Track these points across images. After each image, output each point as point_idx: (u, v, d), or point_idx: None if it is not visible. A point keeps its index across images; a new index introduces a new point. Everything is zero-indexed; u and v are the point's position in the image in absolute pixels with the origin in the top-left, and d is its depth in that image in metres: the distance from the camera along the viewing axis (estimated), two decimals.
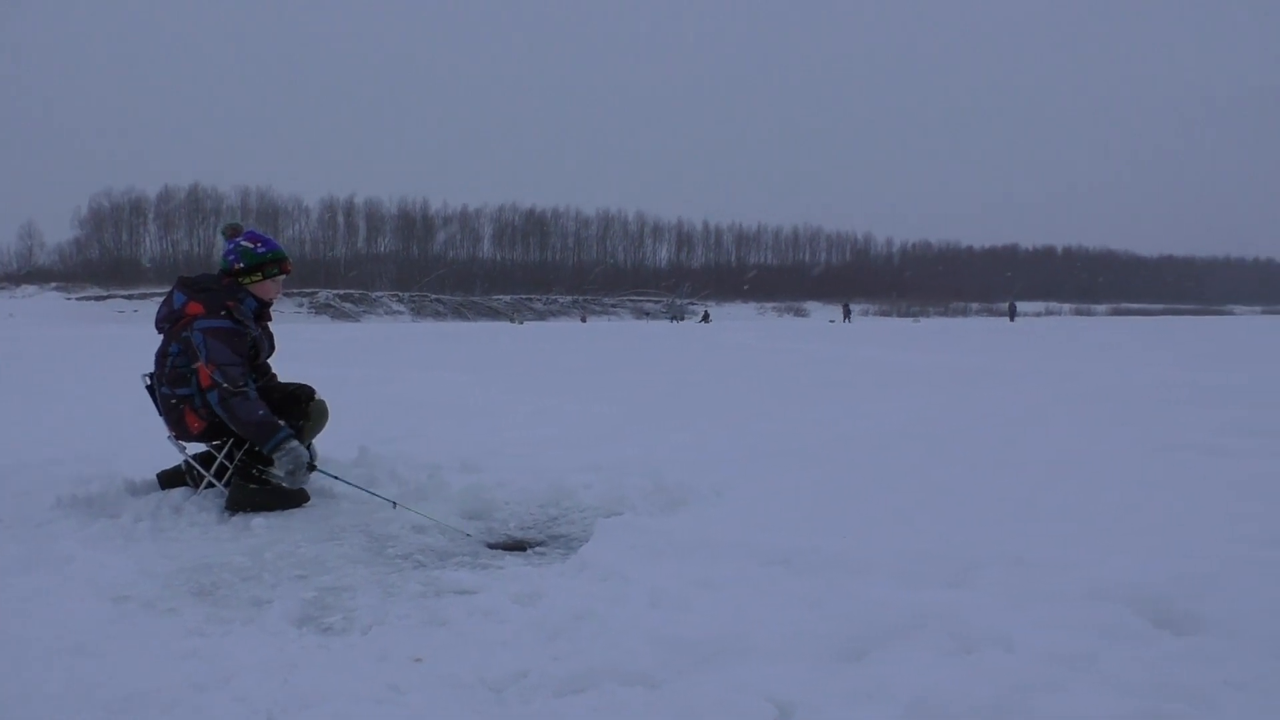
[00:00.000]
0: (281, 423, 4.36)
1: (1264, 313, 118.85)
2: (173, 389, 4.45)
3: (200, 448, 4.65)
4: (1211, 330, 35.59)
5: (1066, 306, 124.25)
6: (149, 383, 4.66)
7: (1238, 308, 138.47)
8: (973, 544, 3.51)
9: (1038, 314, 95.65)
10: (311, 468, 4.40)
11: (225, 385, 4.26)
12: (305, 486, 4.53)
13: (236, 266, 4.57)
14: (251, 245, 4.60)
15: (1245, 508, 4.20)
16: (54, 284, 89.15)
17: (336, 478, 4.53)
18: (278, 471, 4.32)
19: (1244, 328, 39.99)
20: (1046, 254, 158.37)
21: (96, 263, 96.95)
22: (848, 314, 72.03)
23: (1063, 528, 3.87)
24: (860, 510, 4.26)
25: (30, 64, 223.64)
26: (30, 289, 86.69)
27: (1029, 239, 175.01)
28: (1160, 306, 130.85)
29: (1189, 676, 2.30)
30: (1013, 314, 67.00)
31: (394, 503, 4.32)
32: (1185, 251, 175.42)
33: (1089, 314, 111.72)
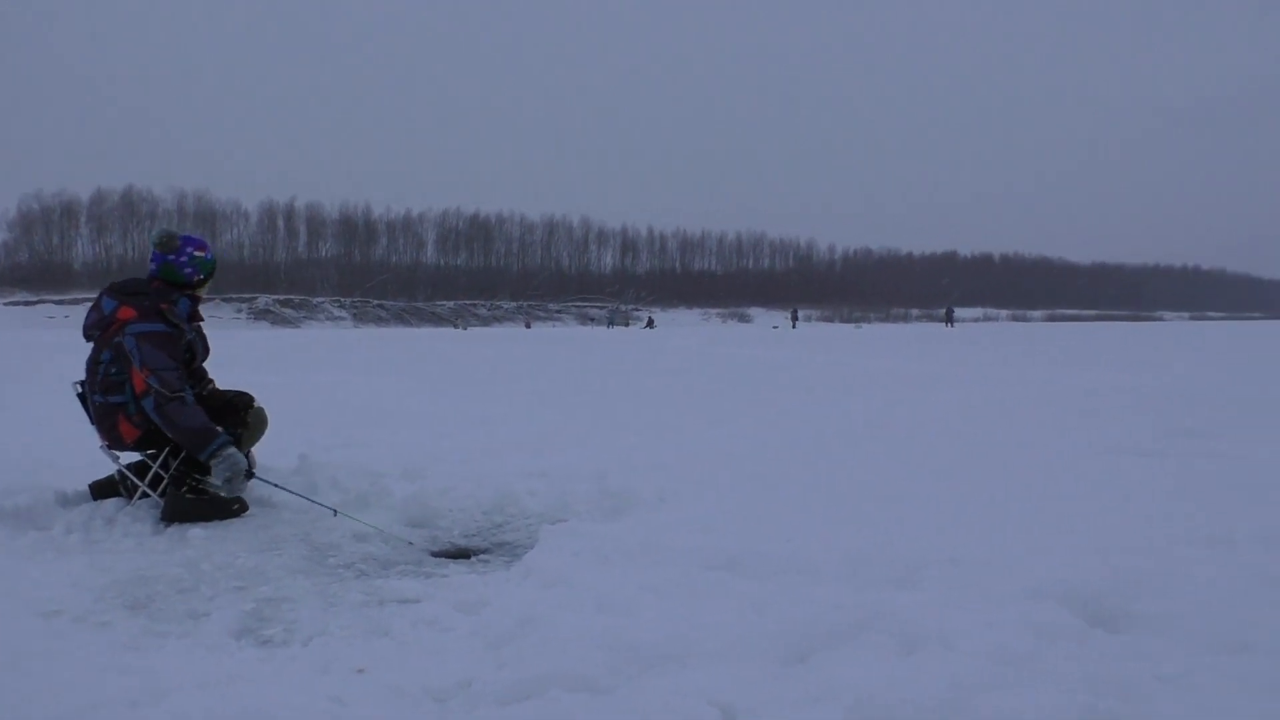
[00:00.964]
0: (219, 429, 4.28)
1: (1192, 318, 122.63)
2: (105, 396, 4.34)
3: (134, 457, 4.54)
4: (1143, 335, 36.60)
5: (1004, 313, 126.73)
6: (80, 390, 4.54)
7: (1167, 313, 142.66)
8: (916, 545, 3.56)
9: (975, 319, 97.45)
10: (250, 475, 4.33)
11: (161, 390, 4.17)
12: (244, 496, 4.45)
13: (197, 279, 4.52)
14: (202, 254, 4.55)
15: (1176, 507, 4.33)
16: None
17: (276, 485, 4.46)
18: (215, 479, 4.23)
19: (1173, 333, 41.20)
20: (984, 261, 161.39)
21: (26, 266, 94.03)
22: (795, 320, 72.57)
23: (1002, 528, 3.95)
24: (805, 513, 4.30)
25: None
26: None
27: (967, 246, 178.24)
28: (1094, 312, 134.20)
29: (1123, 673, 2.36)
30: (950, 319, 68.09)
31: (335, 511, 4.28)
32: (1117, 259, 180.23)
33: (1025, 319, 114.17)
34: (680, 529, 3.97)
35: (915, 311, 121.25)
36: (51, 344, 25.78)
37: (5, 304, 78.56)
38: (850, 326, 72.53)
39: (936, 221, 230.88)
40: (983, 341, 29.89)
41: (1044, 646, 2.54)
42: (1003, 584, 3.03)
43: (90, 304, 4.54)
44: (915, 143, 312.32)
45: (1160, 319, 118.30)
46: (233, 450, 4.22)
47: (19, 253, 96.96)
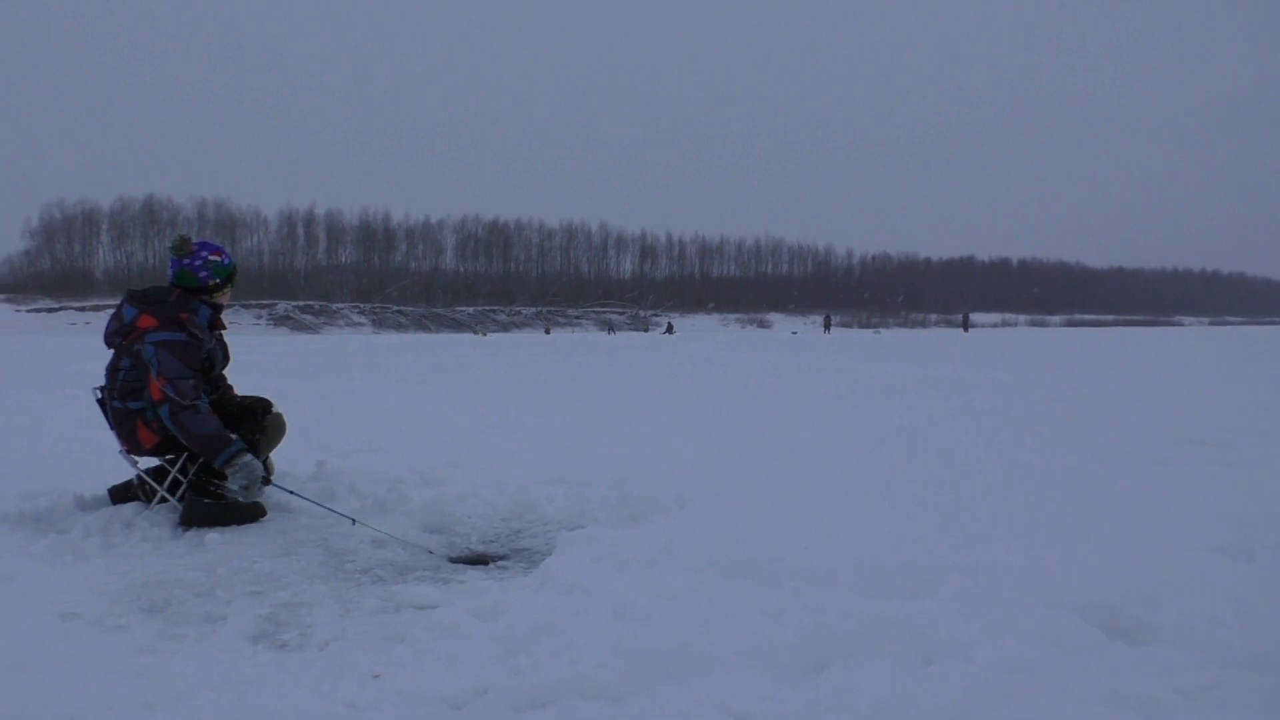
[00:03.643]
0: (234, 436, 4.28)
1: (1211, 323, 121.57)
2: (124, 402, 4.37)
3: (153, 462, 4.57)
4: (1161, 340, 36.29)
5: (1022, 318, 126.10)
6: (100, 396, 4.57)
7: (1186, 318, 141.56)
8: (932, 553, 3.54)
9: (993, 325, 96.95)
10: (266, 481, 4.34)
11: (176, 399, 4.19)
12: (262, 501, 4.47)
13: (212, 283, 4.52)
14: (219, 259, 4.56)
15: (1195, 516, 4.28)
16: (3, 296, 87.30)
17: (293, 492, 4.47)
18: (231, 486, 4.24)
19: (1192, 338, 40.84)
20: (1002, 266, 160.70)
21: (48, 274, 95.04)
22: (829, 325, 72.05)
23: (1019, 536, 3.92)
24: (822, 521, 4.27)
25: None
26: None
27: (985, 251, 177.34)
28: (1112, 318, 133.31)
29: (1142, 686, 2.33)
30: (966, 324, 67.72)
31: (353, 519, 4.26)
32: (1135, 264, 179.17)
33: (1043, 325, 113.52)
34: (698, 536, 3.95)
35: (933, 316, 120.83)
36: (72, 350, 26.02)
37: (28, 311, 79.38)
38: (869, 332, 72.23)
39: (954, 226, 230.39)
40: (999, 346, 29.72)
41: (1062, 658, 2.52)
42: (1020, 593, 3.00)
43: (111, 311, 4.57)
44: (933, 147, 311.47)
45: (1179, 324, 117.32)
46: (248, 458, 4.23)
47: (41, 260, 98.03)
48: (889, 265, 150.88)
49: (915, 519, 4.32)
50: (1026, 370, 17.01)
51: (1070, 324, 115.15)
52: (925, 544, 3.77)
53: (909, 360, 20.53)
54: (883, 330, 77.37)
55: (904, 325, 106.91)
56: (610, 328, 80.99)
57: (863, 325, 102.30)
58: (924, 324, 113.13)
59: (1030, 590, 3.02)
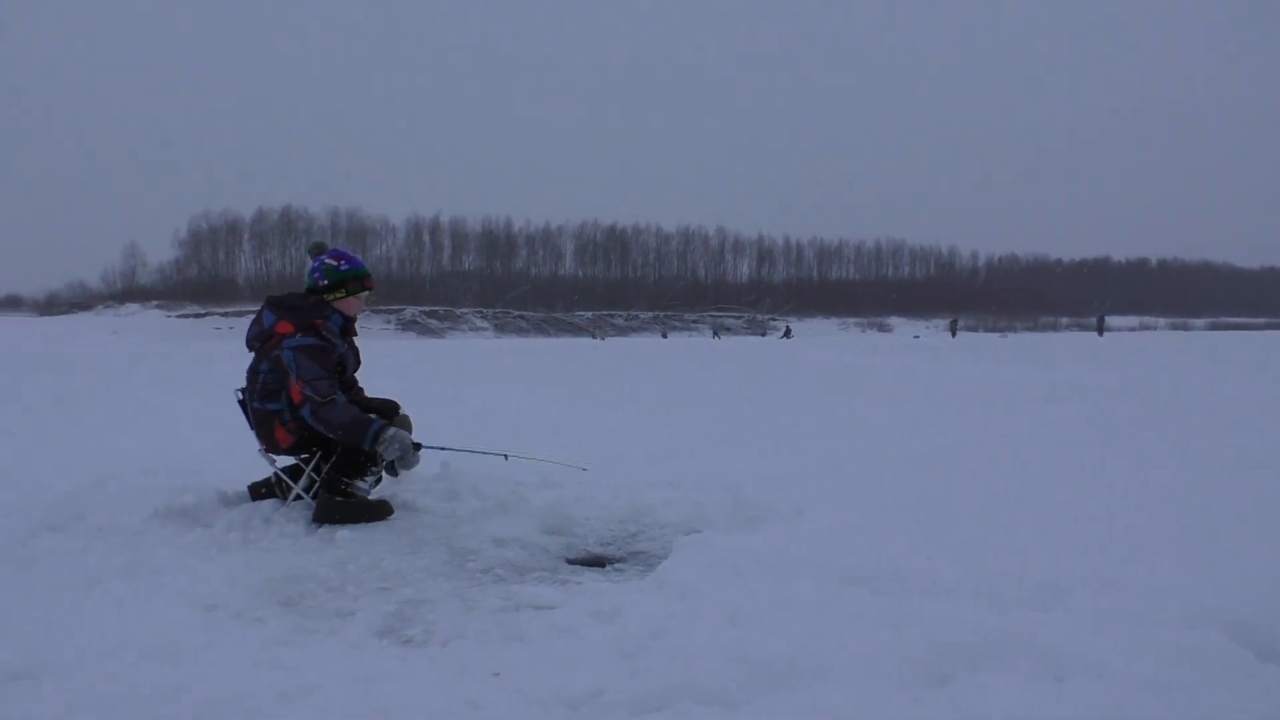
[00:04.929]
0: (374, 416, 4.45)
1: None
2: (263, 404, 4.59)
3: (289, 461, 4.78)
4: None
5: (1162, 321, 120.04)
6: (241, 397, 4.81)
7: None
8: (1060, 565, 3.40)
9: (1131, 328, 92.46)
10: (418, 446, 4.48)
11: (315, 398, 4.38)
12: (390, 500, 4.63)
13: (321, 284, 4.70)
14: (335, 263, 4.73)
15: None
16: (155, 302, 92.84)
17: (443, 448, 4.79)
18: (387, 456, 4.39)
19: None
20: (1139, 266, 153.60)
21: (195, 281, 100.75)
22: (955, 329, 70.11)
23: (1155, 548, 3.72)
24: (944, 529, 4.16)
25: (135, 95, 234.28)
26: (133, 307, 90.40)
27: (1121, 251, 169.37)
28: (1263, 320, 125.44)
29: None
30: (1101, 328, 64.70)
31: (505, 455, 4.83)
32: None
33: (1185, 328, 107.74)
34: (815, 542, 3.90)
35: (1065, 320, 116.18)
36: (216, 353, 27.42)
37: (177, 316, 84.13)
38: (996, 336, 69.96)
39: (1087, 225, 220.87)
40: (1135, 351, 28.33)
41: (1206, 679, 2.38)
42: (1156, 608, 2.85)
43: (252, 316, 4.81)
44: (1064, 143, 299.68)
45: None
46: (394, 430, 4.38)
47: (189, 268, 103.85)
48: (1016, 267, 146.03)
49: (1040, 529, 4.15)
50: (1163, 375, 16.17)
51: (1215, 327, 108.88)
52: (1052, 555, 3.62)
53: (1038, 364, 19.78)
54: (1010, 334, 74.73)
55: (1033, 329, 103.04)
56: (716, 332, 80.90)
57: (989, 329, 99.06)
58: (1054, 327, 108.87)
59: (1166, 606, 2.87)
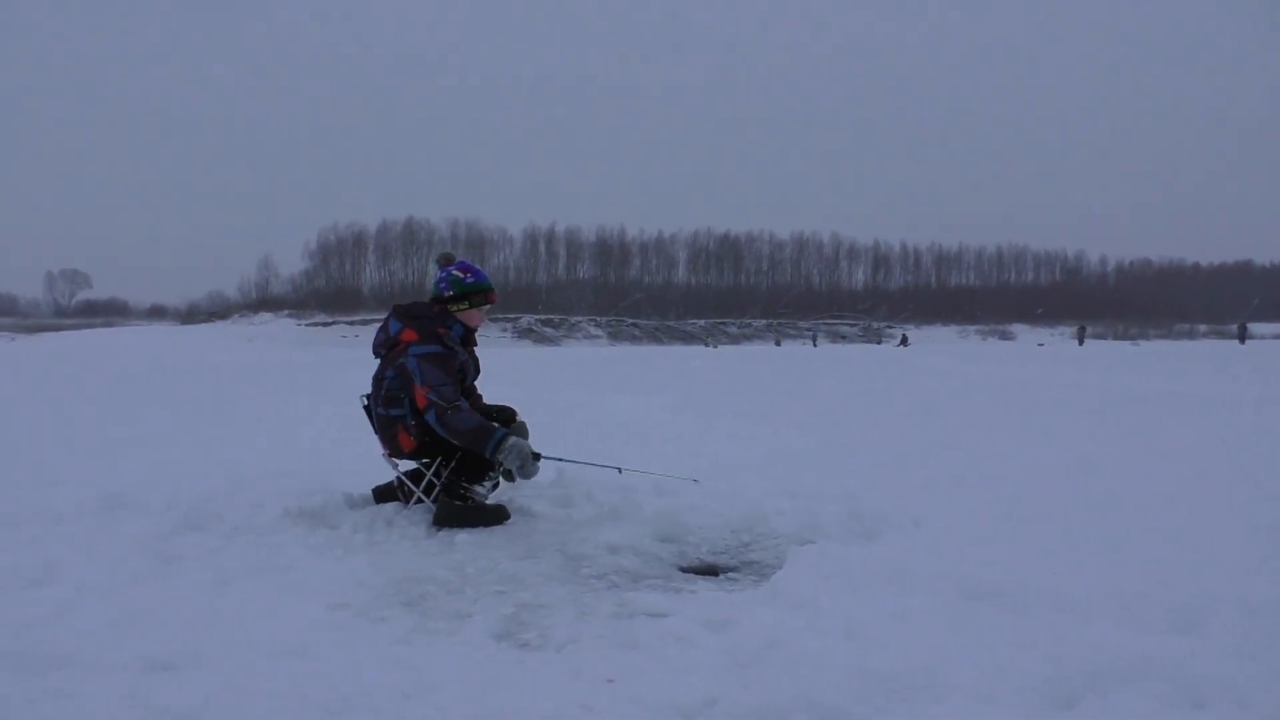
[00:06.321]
0: (496, 425, 4.55)
1: None
2: (387, 409, 4.74)
3: (411, 465, 4.92)
4: None
5: None
6: (366, 403, 4.98)
7: None
8: (1199, 585, 3.22)
9: (1276, 335, 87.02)
10: (537, 456, 4.56)
11: (440, 403, 4.50)
12: (507, 505, 4.72)
13: (446, 294, 4.84)
14: (461, 275, 4.87)
15: None
16: (287, 311, 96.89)
17: (560, 459, 4.85)
18: (508, 464, 4.47)
19: None
20: None
21: (323, 291, 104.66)
22: (1083, 337, 67.50)
23: None
24: (1071, 544, 3.99)
25: (269, 115, 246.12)
26: (266, 316, 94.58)
27: (1266, 255, 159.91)
28: None
29: None
30: (1243, 336, 61.01)
31: (619, 469, 4.89)
32: None
33: None
34: (934, 555, 3.79)
35: (1203, 328, 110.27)
36: (344, 360, 28.45)
37: (306, 325, 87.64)
38: (1127, 344, 66.95)
39: (1227, 227, 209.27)
40: None
41: None
42: None
43: (378, 324, 4.98)
44: (1197, 141, 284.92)
45: None
46: (515, 439, 4.47)
47: (318, 278, 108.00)
48: (1149, 272, 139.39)
49: (1178, 547, 3.94)
50: None
51: None
52: (1190, 575, 3.43)
53: (1177, 375, 18.84)
54: (1142, 342, 71.37)
55: (1167, 336, 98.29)
56: (814, 339, 79.92)
57: (1119, 336, 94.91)
58: (1191, 335, 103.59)
59: None
